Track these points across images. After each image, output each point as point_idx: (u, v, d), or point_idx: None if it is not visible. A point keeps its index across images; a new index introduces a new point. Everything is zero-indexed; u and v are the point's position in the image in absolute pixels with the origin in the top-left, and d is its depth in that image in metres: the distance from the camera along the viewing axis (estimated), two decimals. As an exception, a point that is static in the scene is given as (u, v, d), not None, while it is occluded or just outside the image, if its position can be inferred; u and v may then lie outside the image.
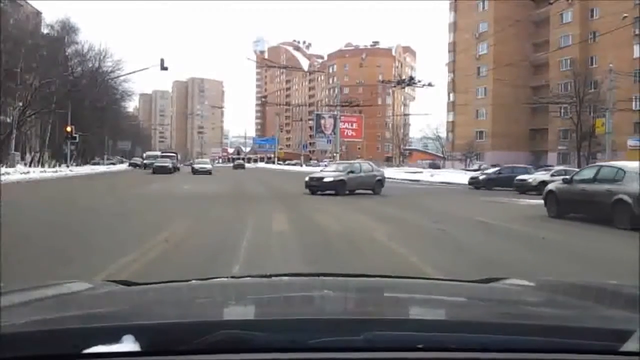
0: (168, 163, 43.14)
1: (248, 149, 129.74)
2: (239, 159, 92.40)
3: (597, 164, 16.55)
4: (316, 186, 19.57)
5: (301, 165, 71.58)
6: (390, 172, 45.06)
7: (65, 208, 13.83)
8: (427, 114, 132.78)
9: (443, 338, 1.06)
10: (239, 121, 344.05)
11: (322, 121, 61.68)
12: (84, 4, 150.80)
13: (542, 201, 13.50)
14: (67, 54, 48.57)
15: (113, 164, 65.57)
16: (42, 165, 41.82)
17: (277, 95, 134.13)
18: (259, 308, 1.51)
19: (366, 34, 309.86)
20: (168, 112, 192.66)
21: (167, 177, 35.20)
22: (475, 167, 51.56)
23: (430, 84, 40.30)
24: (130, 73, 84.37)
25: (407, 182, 34.86)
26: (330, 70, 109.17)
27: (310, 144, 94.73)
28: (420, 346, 1.03)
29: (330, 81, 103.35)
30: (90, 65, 51.49)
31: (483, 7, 62.73)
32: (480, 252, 7.69)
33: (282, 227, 10.00)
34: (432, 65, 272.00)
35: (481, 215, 12.75)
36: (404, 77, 50.68)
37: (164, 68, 36.69)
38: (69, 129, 40.78)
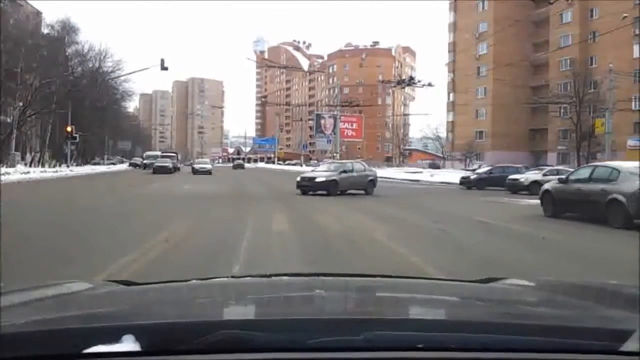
0: (168, 163, 43.17)
1: (248, 149, 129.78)
2: (238, 159, 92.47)
3: (592, 164, 16.70)
4: (308, 186, 19.22)
5: (301, 165, 71.52)
6: (390, 172, 45.18)
7: (65, 208, 13.84)
8: (427, 114, 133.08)
9: (443, 338, 1.06)
10: (239, 121, 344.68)
11: (322, 121, 61.72)
12: (84, 4, 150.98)
13: (538, 201, 13.58)
14: (67, 54, 48.57)
15: (113, 164, 65.57)
16: (43, 165, 41.81)
17: (277, 95, 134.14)
18: (259, 308, 1.51)
19: (366, 34, 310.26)
20: (168, 112, 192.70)
21: (167, 177, 35.21)
22: (475, 167, 51.56)
23: (430, 84, 40.32)
24: (130, 73, 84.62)
25: (407, 182, 34.86)
26: (330, 70, 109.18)
27: (310, 144, 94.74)
28: (420, 346, 1.03)
29: (330, 81, 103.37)
30: (90, 65, 51.55)
31: (483, 7, 62.73)
32: (479, 251, 7.69)
33: (282, 227, 10.00)
34: (432, 65, 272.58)
35: (478, 215, 12.81)
36: (404, 77, 50.68)
37: (164, 68, 36.73)
38: (69, 129, 40.79)
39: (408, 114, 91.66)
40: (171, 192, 19.75)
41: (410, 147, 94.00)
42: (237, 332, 1.04)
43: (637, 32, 44.97)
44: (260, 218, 11.46)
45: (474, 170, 35.70)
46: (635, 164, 11.50)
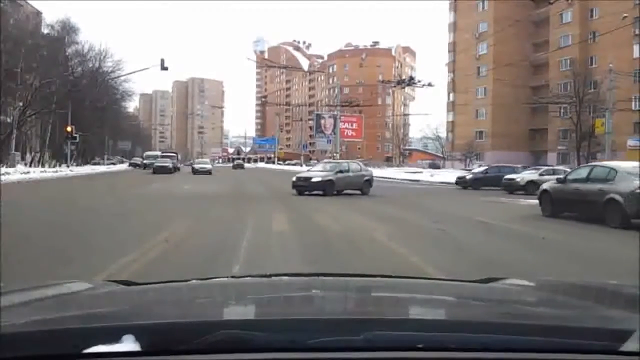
0: (168, 163, 43.20)
1: (248, 149, 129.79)
2: (238, 159, 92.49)
3: (590, 163, 16.83)
4: (304, 186, 18.96)
5: (301, 165, 71.47)
6: (390, 172, 45.18)
7: (65, 208, 13.84)
8: (427, 114, 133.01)
9: (443, 338, 1.06)
10: (239, 121, 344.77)
11: (322, 121, 61.68)
12: (84, 4, 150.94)
13: (536, 201, 13.67)
14: (67, 54, 48.56)
15: (113, 164, 65.60)
16: (42, 165, 41.81)
17: (277, 95, 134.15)
18: (259, 308, 1.51)
19: (366, 34, 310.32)
20: (168, 112, 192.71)
21: (167, 177, 35.22)
22: (476, 167, 51.58)
23: (430, 84, 40.28)
24: (130, 73, 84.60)
25: (407, 182, 34.85)
26: (330, 70, 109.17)
27: (310, 144, 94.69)
28: (420, 346, 1.03)
29: (330, 81, 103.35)
30: (90, 65, 51.54)
31: (483, 7, 62.73)
32: (479, 251, 7.69)
33: (282, 227, 10.00)
34: (432, 65, 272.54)
35: (476, 214, 12.86)
36: (404, 77, 50.66)
37: (164, 68, 36.73)
38: (69, 129, 40.79)
39: (408, 114, 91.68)
40: (171, 192, 19.75)
41: (410, 147, 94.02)
42: (237, 332, 1.04)
43: (637, 32, 44.96)
44: (260, 218, 11.46)
45: (469, 170, 35.79)
46: (633, 163, 11.74)
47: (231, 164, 78.55)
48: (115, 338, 0.99)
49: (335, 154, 47.53)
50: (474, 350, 1.03)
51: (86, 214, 12.01)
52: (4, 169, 28.94)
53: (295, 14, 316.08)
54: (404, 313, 1.46)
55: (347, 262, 6.65)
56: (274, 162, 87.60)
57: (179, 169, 49.27)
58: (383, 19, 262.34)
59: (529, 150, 58.66)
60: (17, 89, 38.81)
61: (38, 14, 51.74)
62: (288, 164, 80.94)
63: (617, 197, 10.46)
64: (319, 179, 19.05)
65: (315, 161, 78.84)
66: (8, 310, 1.24)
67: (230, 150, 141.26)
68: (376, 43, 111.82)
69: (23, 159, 42.10)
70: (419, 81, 40.61)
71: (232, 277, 2.66)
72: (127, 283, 1.71)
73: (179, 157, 65.83)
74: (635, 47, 47.50)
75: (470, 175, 28.44)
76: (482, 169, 30.37)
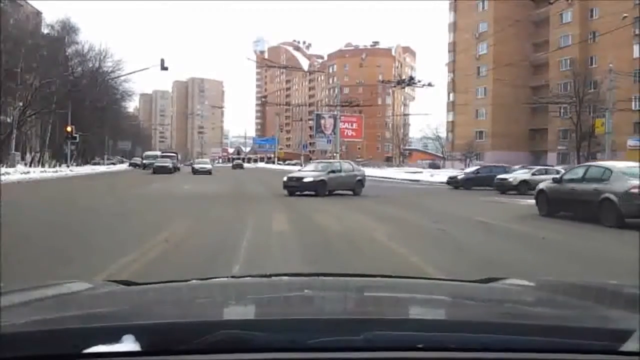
0: (168, 163, 43.21)
1: (248, 149, 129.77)
2: (238, 159, 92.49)
3: (585, 163, 17.01)
4: (295, 186, 18.53)
5: (301, 165, 71.37)
6: (390, 172, 45.18)
7: (65, 208, 13.84)
8: (427, 114, 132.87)
9: (443, 338, 1.06)
10: (239, 121, 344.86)
11: (322, 121, 61.62)
12: (84, 4, 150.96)
13: (532, 200, 13.81)
14: (67, 54, 48.57)
15: (113, 164, 65.61)
16: (42, 165, 41.82)
17: (277, 95, 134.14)
18: (259, 308, 1.51)
19: (366, 34, 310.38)
20: (168, 112, 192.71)
21: (167, 177, 35.22)
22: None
23: (430, 84, 40.23)
24: (130, 73, 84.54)
25: (406, 182, 34.84)
26: (330, 70, 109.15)
27: (310, 144, 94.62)
28: (420, 346, 1.03)
29: (330, 81, 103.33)
30: (90, 65, 51.55)
31: (483, 7, 62.74)
32: (478, 251, 7.69)
33: (282, 227, 10.00)
34: (432, 65, 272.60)
35: (473, 214, 12.97)
36: (404, 77, 50.64)
37: (164, 68, 36.70)
38: (69, 129, 40.79)
39: (408, 114, 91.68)
40: (171, 192, 19.75)
41: (410, 147, 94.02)
42: (237, 332, 1.04)
43: (637, 32, 44.96)
44: (260, 218, 11.46)
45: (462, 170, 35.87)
46: (628, 163, 12.00)
47: (231, 164, 78.60)
48: (115, 338, 0.99)
49: (335, 154, 47.50)
50: (474, 350, 1.03)
51: (86, 214, 12.01)
52: (4, 169, 28.94)
53: (295, 14, 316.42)
54: (404, 313, 1.46)
55: (347, 262, 6.65)
56: (274, 162, 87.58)
57: (179, 169, 49.28)
58: (383, 19, 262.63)
59: (529, 150, 58.67)
60: (17, 89, 38.82)
61: (38, 14, 51.74)
62: (288, 164, 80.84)
63: (612, 196, 10.59)
64: (311, 179, 18.66)
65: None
66: (8, 310, 1.24)
67: (230, 150, 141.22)
68: (376, 43, 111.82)
69: (23, 159, 42.11)
70: (419, 81, 40.58)
71: (232, 277, 2.66)
72: (127, 283, 1.71)
73: (179, 157, 65.84)
74: (635, 47, 47.50)
75: (462, 175, 28.43)
76: (473, 168, 30.39)
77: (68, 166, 42.97)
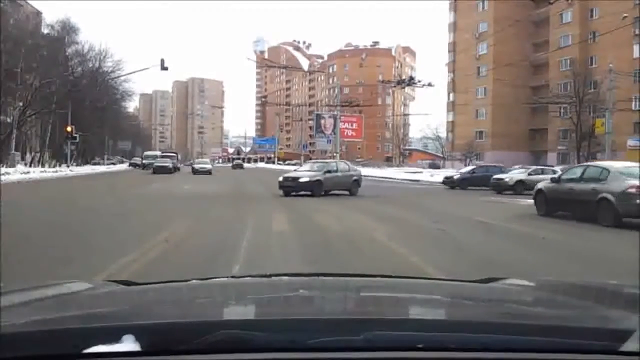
0: (168, 163, 43.21)
1: (248, 149, 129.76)
2: (238, 159, 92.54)
3: (583, 163, 17.14)
4: (291, 187, 18.32)
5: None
6: (390, 172, 45.18)
7: (65, 208, 13.84)
8: (427, 114, 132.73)
9: (443, 338, 1.06)
10: (239, 121, 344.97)
11: (322, 121, 61.57)
12: (84, 4, 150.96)
13: (530, 200, 13.93)
14: (67, 54, 48.57)
15: (113, 164, 65.63)
16: (42, 165, 41.82)
17: (277, 95, 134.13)
18: (259, 308, 1.51)
19: (366, 34, 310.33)
20: (168, 112, 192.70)
21: (167, 177, 35.23)
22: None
23: (430, 84, 40.18)
24: (130, 73, 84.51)
25: (406, 182, 34.85)
26: (330, 70, 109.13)
27: (310, 144, 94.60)
28: (420, 346, 1.03)
29: (330, 81, 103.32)
30: (90, 65, 51.54)
31: (483, 7, 62.71)
32: (478, 251, 7.69)
33: (282, 227, 10.01)
34: (432, 65, 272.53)
35: (472, 213, 13.02)
36: (404, 77, 50.62)
37: (164, 68, 36.69)
38: (69, 129, 40.80)
39: (408, 114, 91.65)
40: (171, 192, 19.75)
41: (410, 147, 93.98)
42: (237, 332, 1.04)
43: (637, 32, 44.95)
44: (260, 218, 11.47)
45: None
46: (625, 163, 12.16)
47: (231, 164, 78.68)
48: (115, 338, 0.99)
49: (335, 154, 47.49)
50: (474, 350, 1.03)
51: (86, 214, 12.01)
52: (4, 169, 28.95)
53: (295, 14, 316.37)
54: (404, 313, 1.46)
55: (347, 261, 6.65)
56: (274, 162, 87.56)
57: (179, 169, 49.30)
58: (383, 19, 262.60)
59: (529, 150, 58.66)
60: (17, 89, 38.82)
61: (38, 14, 51.74)
62: (288, 164, 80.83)
63: (610, 196, 10.70)
64: (307, 179, 18.49)
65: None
66: (8, 310, 1.24)
67: (230, 150, 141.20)
68: (376, 43, 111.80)
69: (23, 159, 42.10)
70: (419, 81, 40.53)
71: (232, 277, 2.66)
72: (127, 283, 1.71)
73: (179, 157, 65.87)
74: (635, 47, 47.49)
75: (458, 175, 28.41)
76: (469, 168, 30.40)
77: (68, 166, 42.98)
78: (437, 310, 1.56)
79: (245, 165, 77.19)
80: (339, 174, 19.55)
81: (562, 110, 49.46)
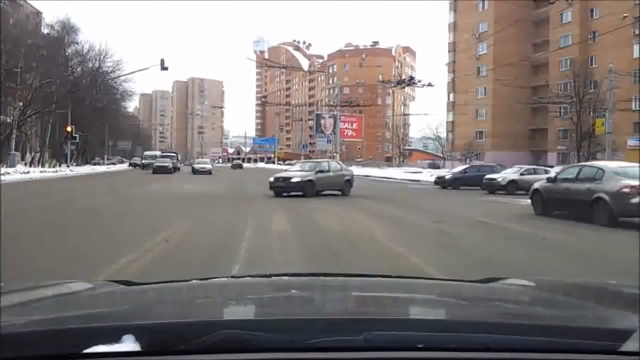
0: (168, 163, 43.19)
1: (248, 149, 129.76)
2: (237, 159, 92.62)
3: (579, 163, 17.25)
4: (282, 187, 17.86)
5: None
6: (390, 172, 45.19)
7: (65, 208, 13.85)
8: (427, 114, 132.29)
9: (443, 338, 1.06)
10: (239, 121, 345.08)
11: (322, 121, 61.63)
12: (84, 4, 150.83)
13: (526, 200, 14.11)
14: (67, 54, 48.59)
15: (113, 164, 65.69)
16: (42, 165, 41.83)
17: (277, 95, 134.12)
18: (259, 308, 1.51)
19: (366, 34, 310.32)
20: (168, 112, 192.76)
21: (167, 177, 35.24)
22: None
23: (430, 84, 40.32)
24: (130, 73, 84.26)
25: (406, 181, 34.86)
26: (330, 70, 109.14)
27: (310, 144, 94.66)
28: (420, 346, 1.03)
29: (330, 81, 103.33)
30: (90, 65, 51.54)
31: (483, 7, 62.70)
32: (477, 250, 7.70)
33: (282, 227, 10.01)
34: (432, 65, 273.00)
35: (470, 213, 13.11)
36: (404, 77, 50.66)
37: (164, 68, 36.67)
38: (69, 129, 40.80)
39: (408, 114, 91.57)
40: (171, 192, 19.76)
41: (410, 147, 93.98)
42: (237, 332, 1.04)
43: (637, 32, 44.95)
44: (260, 218, 11.46)
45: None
46: (620, 163, 12.39)
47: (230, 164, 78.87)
48: (115, 338, 0.99)
49: (335, 154, 47.51)
50: (474, 350, 1.03)
51: (86, 214, 12.02)
52: (4, 169, 28.96)
53: (295, 14, 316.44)
54: (404, 313, 1.46)
55: (347, 261, 6.65)
56: (274, 162, 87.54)
57: (179, 169, 49.30)
58: (383, 19, 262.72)
59: (529, 150, 58.66)
60: (17, 89, 38.83)
61: (38, 14, 51.74)
62: (288, 164, 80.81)
63: (604, 196, 10.80)
64: (299, 179, 18.06)
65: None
66: (8, 310, 1.24)
67: (230, 150, 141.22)
68: (376, 43, 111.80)
69: (23, 159, 42.09)
70: (419, 81, 40.65)
71: (232, 277, 2.66)
72: (127, 283, 1.71)
73: (179, 157, 65.90)
74: (635, 47, 47.49)
75: (450, 175, 28.38)
76: (460, 168, 30.41)
77: (68, 166, 42.99)
78: (437, 310, 1.56)
79: (245, 165, 77.24)
80: (330, 173, 19.09)
81: (562, 110, 49.46)
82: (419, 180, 36.05)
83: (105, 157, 65.49)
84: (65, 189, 22.46)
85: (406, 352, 1.02)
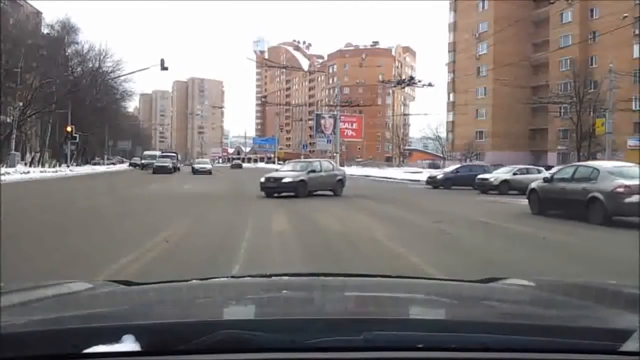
0: (168, 163, 43.19)
1: (248, 149, 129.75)
2: (237, 159, 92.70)
3: (575, 163, 17.36)
4: (273, 187, 17.59)
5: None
6: (390, 172, 45.19)
7: (65, 208, 13.84)
8: (427, 114, 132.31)
9: (443, 338, 1.06)
10: (239, 121, 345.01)
11: (322, 121, 61.59)
12: (84, 4, 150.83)
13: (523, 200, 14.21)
14: (67, 54, 48.59)
15: (113, 164, 65.71)
16: (42, 165, 41.84)
17: (277, 95, 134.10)
18: (259, 308, 1.51)
19: (366, 34, 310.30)
20: (168, 112, 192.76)
21: (167, 177, 35.24)
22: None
23: (430, 84, 40.29)
24: (130, 73, 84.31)
25: (407, 181, 34.84)
26: (330, 70, 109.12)
27: (310, 144, 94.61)
28: (420, 346, 1.03)
29: (330, 81, 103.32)
30: (90, 65, 51.53)
31: (483, 7, 62.72)
32: (475, 249, 7.70)
33: (282, 227, 10.01)
34: (432, 65, 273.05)
35: (468, 212, 13.19)
36: (404, 77, 50.66)
37: (164, 68, 36.66)
38: (69, 129, 40.81)
39: (408, 114, 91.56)
40: (171, 192, 19.76)
41: (410, 147, 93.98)
42: (237, 332, 1.04)
43: (637, 32, 44.95)
44: (260, 218, 11.46)
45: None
46: (615, 163, 12.62)
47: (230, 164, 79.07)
48: (115, 338, 0.99)
49: (335, 154, 47.51)
50: (474, 350, 1.03)
51: (86, 213, 12.02)
52: (4, 169, 28.96)
53: (295, 14, 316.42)
54: (404, 313, 1.46)
55: (347, 261, 6.65)
56: (274, 162, 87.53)
57: (179, 169, 49.31)
58: (383, 19, 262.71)
59: (529, 150, 58.68)
60: (17, 89, 38.83)
61: (38, 14, 51.74)
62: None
63: (599, 195, 10.92)
64: (290, 179, 17.77)
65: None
66: (8, 310, 1.24)
67: (230, 150, 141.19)
68: (376, 43, 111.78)
69: (23, 159, 42.09)
70: (419, 81, 40.62)
71: (232, 277, 2.66)
72: (127, 283, 1.71)
73: (179, 157, 65.92)
74: (635, 47, 47.49)
75: (441, 175, 28.32)
76: (452, 168, 30.39)
77: (68, 166, 42.99)
78: (437, 310, 1.56)
79: (245, 165, 77.37)
80: (322, 173, 18.77)
81: (562, 110, 49.47)
82: (419, 180, 36.01)
83: (105, 157, 65.50)
84: (65, 189, 22.46)
85: (406, 352, 1.02)
